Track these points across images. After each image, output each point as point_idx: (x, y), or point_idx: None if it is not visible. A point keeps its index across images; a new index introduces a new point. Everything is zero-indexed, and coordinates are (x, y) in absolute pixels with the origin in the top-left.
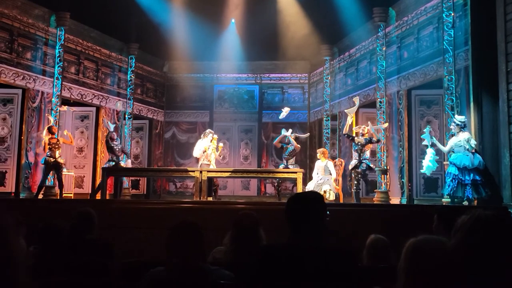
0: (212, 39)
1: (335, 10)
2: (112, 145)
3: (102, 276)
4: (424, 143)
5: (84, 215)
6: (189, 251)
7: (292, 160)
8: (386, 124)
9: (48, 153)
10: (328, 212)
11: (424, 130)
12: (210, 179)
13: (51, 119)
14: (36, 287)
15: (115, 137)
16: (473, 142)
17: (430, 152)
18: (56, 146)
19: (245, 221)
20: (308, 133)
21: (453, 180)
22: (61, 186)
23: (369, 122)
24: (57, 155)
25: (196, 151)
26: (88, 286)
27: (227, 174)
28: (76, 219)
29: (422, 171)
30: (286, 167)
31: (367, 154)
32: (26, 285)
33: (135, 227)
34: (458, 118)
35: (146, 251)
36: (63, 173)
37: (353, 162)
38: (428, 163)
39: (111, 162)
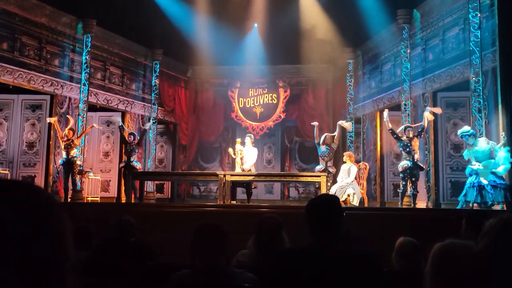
0: (235, 44)
1: (359, 13)
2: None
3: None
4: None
5: (126, 221)
6: (214, 253)
7: (330, 162)
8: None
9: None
10: (344, 214)
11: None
12: (237, 184)
13: (71, 119)
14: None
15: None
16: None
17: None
18: (69, 146)
19: (267, 224)
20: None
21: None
22: (73, 187)
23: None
24: (71, 154)
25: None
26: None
27: (250, 178)
28: (119, 225)
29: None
30: (326, 168)
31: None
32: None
33: (160, 230)
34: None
35: (171, 254)
36: (89, 177)
37: (405, 163)
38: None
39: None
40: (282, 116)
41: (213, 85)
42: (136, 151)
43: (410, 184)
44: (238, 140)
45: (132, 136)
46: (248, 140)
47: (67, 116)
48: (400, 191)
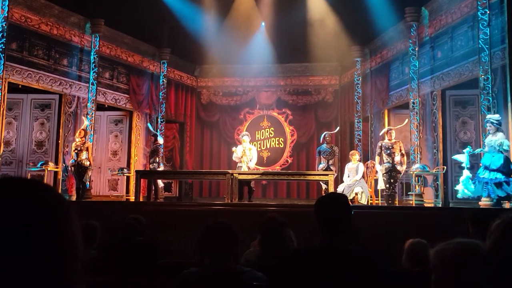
0: (242, 42)
1: (366, 10)
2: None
3: (147, 276)
4: (461, 160)
5: (135, 220)
6: (223, 252)
7: (332, 161)
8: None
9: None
10: (352, 213)
11: (464, 151)
12: (242, 183)
13: (85, 119)
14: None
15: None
16: (506, 144)
17: (466, 173)
18: (79, 149)
19: (269, 225)
20: (338, 127)
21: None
22: (83, 188)
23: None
24: (80, 157)
25: (234, 156)
26: (126, 285)
27: (257, 177)
28: (128, 224)
29: (457, 195)
30: (328, 167)
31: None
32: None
33: (168, 229)
34: (494, 117)
35: (179, 252)
36: (124, 174)
37: (386, 165)
38: (462, 187)
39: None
40: (290, 161)
41: (219, 83)
42: (156, 154)
43: (387, 185)
44: (234, 148)
45: (153, 138)
46: (247, 138)
47: (82, 117)
48: (387, 193)
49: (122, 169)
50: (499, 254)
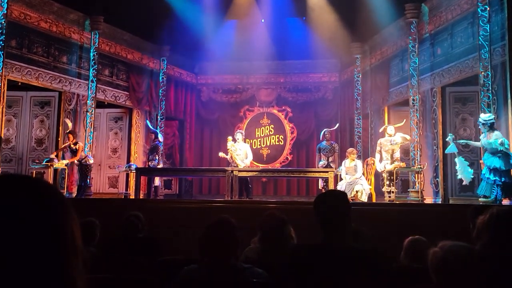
0: (242, 39)
1: (366, 7)
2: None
3: (148, 273)
4: (453, 150)
5: (135, 217)
6: (225, 249)
7: (332, 158)
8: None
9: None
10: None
11: (448, 139)
12: (242, 181)
13: (69, 122)
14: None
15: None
16: (506, 143)
17: (458, 161)
18: (75, 151)
19: (269, 222)
20: (338, 124)
21: (482, 180)
22: (84, 186)
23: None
24: (80, 156)
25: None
26: (126, 282)
27: (257, 174)
28: (128, 221)
29: (463, 183)
30: (328, 164)
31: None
32: (82, 281)
33: (168, 226)
34: (484, 117)
35: (180, 249)
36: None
37: (386, 163)
38: (463, 173)
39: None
40: (289, 158)
41: (219, 81)
42: (155, 151)
43: (387, 182)
44: (229, 138)
45: (153, 135)
46: (239, 136)
47: (65, 120)
48: (388, 191)
49: (129, 165)
50: (493, 254)
